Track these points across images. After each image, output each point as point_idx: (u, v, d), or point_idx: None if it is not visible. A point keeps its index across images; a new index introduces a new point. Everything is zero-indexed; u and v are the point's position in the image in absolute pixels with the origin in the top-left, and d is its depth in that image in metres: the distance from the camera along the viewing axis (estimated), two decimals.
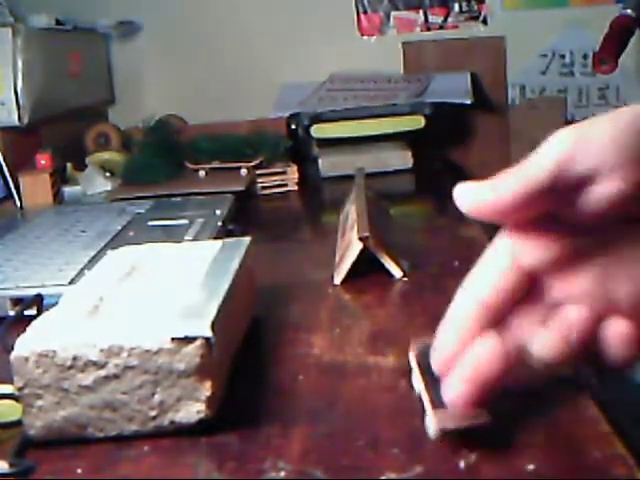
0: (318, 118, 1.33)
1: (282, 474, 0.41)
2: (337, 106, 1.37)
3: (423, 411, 0.43)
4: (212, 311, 0.48)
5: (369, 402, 0.49)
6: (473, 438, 0.43)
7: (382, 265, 0.72)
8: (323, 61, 1.61)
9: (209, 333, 0.46)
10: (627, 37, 1.36)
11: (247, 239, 0.65)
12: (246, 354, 0.56)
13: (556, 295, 0.43)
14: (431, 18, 1.66)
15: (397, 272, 0.72)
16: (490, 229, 0.87)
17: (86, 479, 0.43)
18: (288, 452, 0.44)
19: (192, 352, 0.45)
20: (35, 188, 1.14)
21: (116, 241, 0.84)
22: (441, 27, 1.66)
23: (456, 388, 0.42)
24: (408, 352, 0.49)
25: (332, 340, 0.59)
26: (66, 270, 0.74)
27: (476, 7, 1.65)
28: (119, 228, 0.90)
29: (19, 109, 1.20)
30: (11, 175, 1.15)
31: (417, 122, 1.32)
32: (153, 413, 0.46)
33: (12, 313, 0.68)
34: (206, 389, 0.46)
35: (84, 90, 1.51)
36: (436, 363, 0.44)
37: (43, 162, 1.18)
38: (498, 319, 0.43)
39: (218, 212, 0.93)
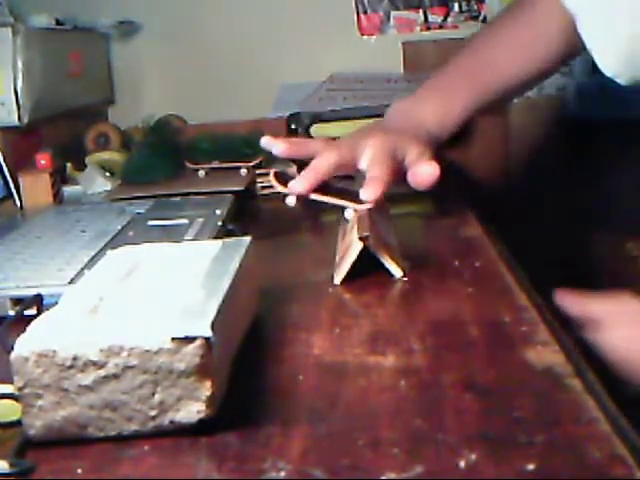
0: (318, 118, 1.33)
1: (282, 474, 0.41)
2: (337, 106, 1.37)
3: None
4: (212, 311, 0.48)
5: (369, 402, 0.49)
6: (473, 438, 0.43)
7: (382, 265, 0.72)
8: (323, 61, 1.61)
9: (209, 333, 0.46)
10: None
11: (247, 239, 0.65)
12: (246, 354, 0.56)
13: None
14: (431, 18, 1.67)
15: (397, 272, 0.72)
16: (490, 229, 0.87)
17: (86, 479, 0.43)
18: (288, 452, 0.44)
19: (192, 352, 0.45)
20: (35, 188, 1.14)
21: (116, 241, 0.84)
22: (441, 27, 1.67)
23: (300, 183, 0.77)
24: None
25: (332, 340, 0.59)
26: (66, 270, 0.74)
27: (476, 7, 1.65)
28: (119, 228, 0.90)
29: (19, 109, 1.20)
30: (11, 175, 1.15)
31: None
32: (153, 413, 0.46)
33: (12, 313, 0.68)
34: (206, 389, 0.46)
35: (84, 90, 1.51)
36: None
37: (43, 162, 1.17)
38: None
39: (218, 212, 0.93)
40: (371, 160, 0.81)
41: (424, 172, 0.82)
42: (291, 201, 0.80)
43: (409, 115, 0.91)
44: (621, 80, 0.87)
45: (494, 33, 0.97)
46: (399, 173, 0.84)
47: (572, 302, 0.76)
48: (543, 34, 0.92)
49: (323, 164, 0.80)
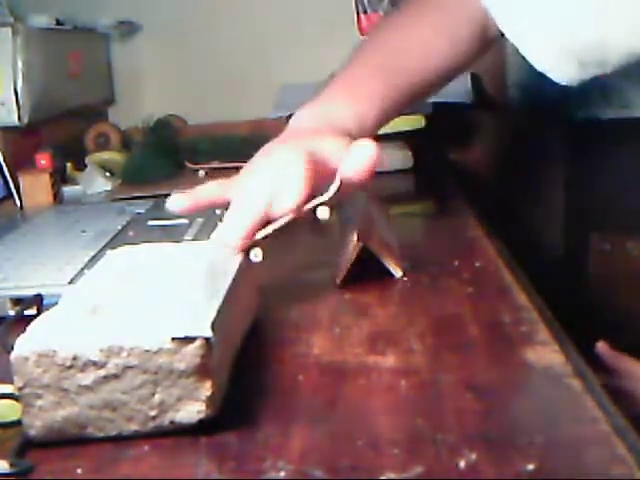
0: None
1: (282, 474, 0.41)
2: None
3: None
4: (212, 311, 0.48)
5: (369, 402, 0.49)
6: (473, 438, 0.43)
7: (382, 265, 0.72)
8: (323, 61, 1.61)
9: (209, 333, 0.46)
10: None
11: None
12: (246, 354, 0.56)
13: None
14: None
15: (397, 272, 0.72)
16: (490, 229, 0.87)
17: (86, 479, 0.43)
18: (288, 452, 0.44)
19: (192, 352, 0.45)
20: (35, 188, 1.14)
21: (116, 241, 0.84)
22: None
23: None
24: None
25: (332, 340, 0.59)
26: (66, 270, 0.74)
27: None
28: (119, 228, 0.90)
29: (19, 109, 1.20)
30: (11, 175, 1.15)
31: (417, 122, 1.32)
32: (153, 413, 0.46)
33: (12, 313, 0.68)
34: (206, 389, 0.46)
35: (84, 90, 1.51)
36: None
37: (43, 162, 1.18)
38: None
39: (218, 212, 0.93)
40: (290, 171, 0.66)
41: (361, 153, 0.65)
42: (257, 256, 0.64)
43: (322, 118, 0.79)
44: (553, 76, 0.86)
45: (402, 31, 0.91)
46: (325, 174, 0.67)
47: (612, 355, 0.84)
48: (456, 34, 0.88)
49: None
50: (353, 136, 0.76)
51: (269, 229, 0.61)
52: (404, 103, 0.88)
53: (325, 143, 0.69)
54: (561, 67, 0.85)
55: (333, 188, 0.63)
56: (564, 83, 0.86)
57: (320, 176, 0.66)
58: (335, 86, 0.85)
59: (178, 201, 0.69)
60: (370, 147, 0.65)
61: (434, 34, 0.89)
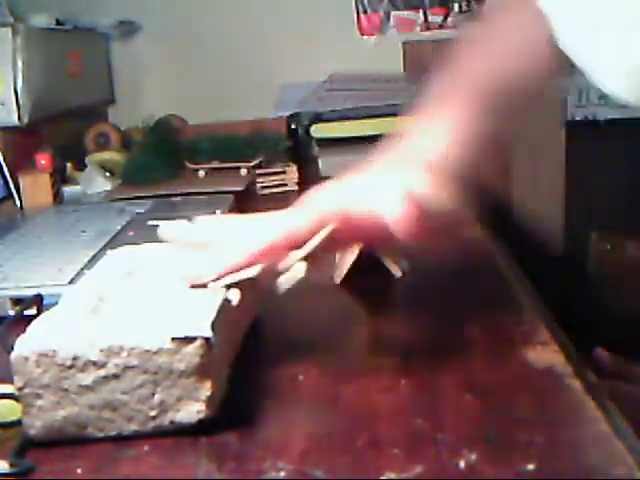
0: (318, 118, 1.33)
1: (282, 474, 0.41)
2: (337, 106, 1.36)
3: None
4: (212, 311, 0.48)
5: (369, 402, 0.49)
6: (473, 438, 0.43)
7: (382, 265, 0.72)
8: (323, 61, 1.61)
9: (209, 333, 0.46)
10: None
11: None
12: (246, 354, 0.56)
13: None
14: (431, 18, 1.66)
15: (397, 272, 0.72)
16: (490, 230, 0.87)
17: (86, 479, 0.43)
18: (288, 452, 0.44)
19: (192, 352, 0.45)
20: (35, 188, 1.14)
21: (116, 241, 0.84)
22: (441, 27, 1.66)
23: None
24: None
25: (332, 340, 0.59)
26: (66, 270, 0.74)
27: (476, 7, 1.65)
28: (119, 228, 0.90)
29: (19, 109, 1.20)
30: (11, 175, 1.15)
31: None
32: (153, 413, 0.46)
33: (12, 313, 0.68)
34: (206, 389, 0.46)
35: (84, 90, 1.51)
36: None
37: (43, 162, 1.18)
38: None
39: (218, 212, 0.93)
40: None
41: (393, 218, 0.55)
42: (233, 299, 0.54)
43: (401, 152, 0.69)
44: (623, 98, 0.82)
45: (483, 53, 0.81)
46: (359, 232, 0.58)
47: (613, 359, 0.84)
48: (535, 53, 0.86)
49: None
50: (435, 167, 0.66)
51: (236, 277, 0.54)
52: (489, 127, 0.76)
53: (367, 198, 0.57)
54: (629, 87, 0.81)
55: (309, 246, 0.55)
56: (633, 105, 0.82)
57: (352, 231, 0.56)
58: (422, 116, 0.75)
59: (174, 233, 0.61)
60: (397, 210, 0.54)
61: (515, 54, 0.85)
